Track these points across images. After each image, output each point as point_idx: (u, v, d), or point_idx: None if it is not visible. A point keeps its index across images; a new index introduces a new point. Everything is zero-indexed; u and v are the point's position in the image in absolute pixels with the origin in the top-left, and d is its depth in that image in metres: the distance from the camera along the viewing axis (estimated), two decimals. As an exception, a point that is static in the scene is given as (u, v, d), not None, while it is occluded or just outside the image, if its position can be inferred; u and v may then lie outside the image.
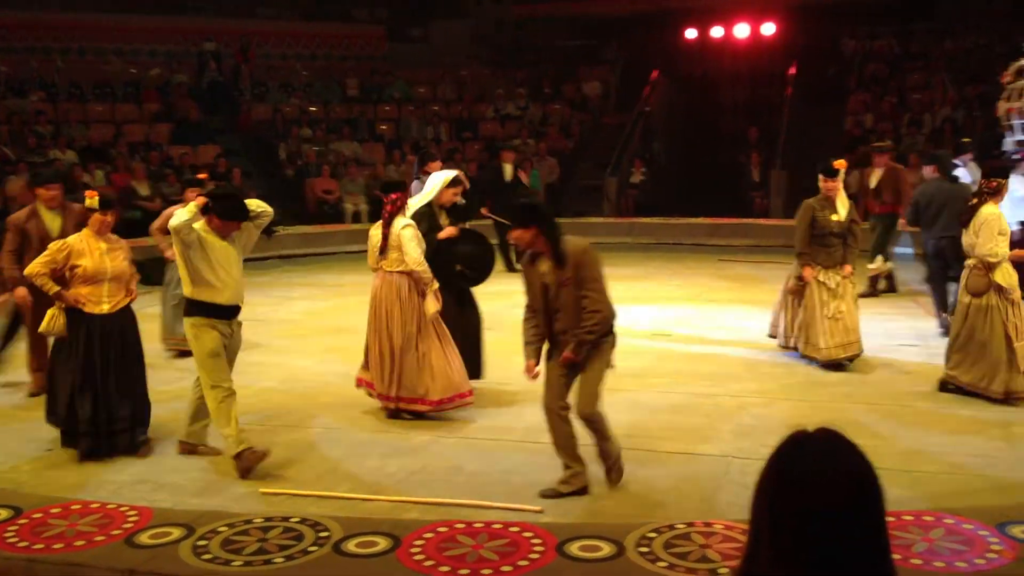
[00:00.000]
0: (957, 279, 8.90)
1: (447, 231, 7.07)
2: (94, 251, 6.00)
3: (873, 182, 11.02)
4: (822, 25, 22.01)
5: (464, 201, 7.52)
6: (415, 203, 7.11)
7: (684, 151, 20.73)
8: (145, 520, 4.69)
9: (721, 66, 22.61)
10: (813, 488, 1.59)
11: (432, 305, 6.60)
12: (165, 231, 8.75)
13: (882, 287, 11.20)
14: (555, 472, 5.27)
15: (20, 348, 7.80)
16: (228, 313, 5.73)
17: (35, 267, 5.96)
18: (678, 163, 20.33)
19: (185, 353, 8.47)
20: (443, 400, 6.61)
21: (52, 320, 5.94)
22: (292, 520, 4.66)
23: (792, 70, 20.05)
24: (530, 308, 5.20)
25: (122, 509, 4.86)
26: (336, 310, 11.27)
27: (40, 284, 5.97)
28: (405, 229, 6.57)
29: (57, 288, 5.92)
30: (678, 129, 21.35)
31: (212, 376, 5.64)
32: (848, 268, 7.82)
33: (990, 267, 6.76)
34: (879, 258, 10.97)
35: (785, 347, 8.21)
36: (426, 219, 7.01)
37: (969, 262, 6.93)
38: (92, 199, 6.08)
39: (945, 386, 7.10)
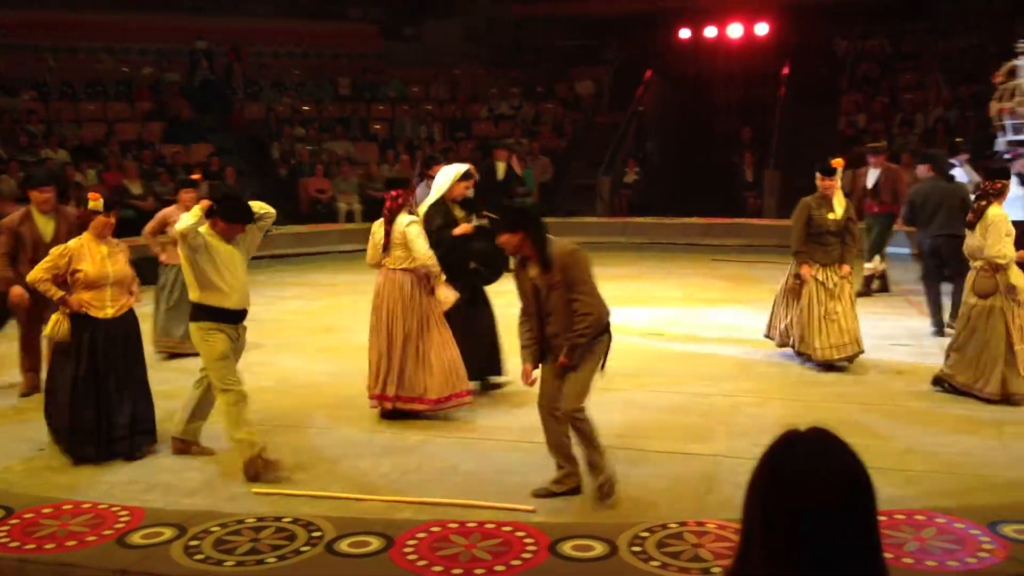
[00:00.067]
0: (951, 279, 8.95)
1: (462, 227, 7.04)
2: (95, 256, 5.90)
3: (870, 182, 11.05)
4: (815, 25, 22.06)
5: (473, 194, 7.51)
6: (426, 203, 7.15)
7: (678, 151, 20.76)
8: (137, 520, 4.68)
9: (715, 66, 22.66)
10: (805, 487, 1.59)
11: (449, 294, 6.60)
12: (157, 232, 8.74)
13: (875, 287, 11.23)
14: (549, 472, 5.27)
15: (12, 348, 7.78)
16: (236, 317, 5.69)
17: (37, 273, 5.87)
18: (672, 163, 20.35)
19: (175, 355, 8.49)
20: (440, 399, 6.59)
21: (56, 325, 5.83)
22: (285, 520, 4.64)
23: (785, 70, 20.09)
24: (524, 312, 5.19)
25: (114, 509, 4.84)
26: (329, 309, 11.26)
27: (44, 290, 5.87)
28: (410, 226, 6.56)
29: (61, 293, 5.84)
30: (671, 129, 21.37)
31: (223, 379, 5.58)
32: (847, 268, 7.79)
33: (997, 268, 6.75)
34: (876, 258, 11.00)
35: (782, 344, 8.16)
36: (440, 214, 7.01)
37: (976, 264, 6.90)
38: (96, 201, 5.98)
39: (940, 382, 7.11)
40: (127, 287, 6.07)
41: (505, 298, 7.96)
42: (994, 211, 6.83)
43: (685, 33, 22.70)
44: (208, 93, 20.62)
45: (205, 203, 5.52)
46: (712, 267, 14.05)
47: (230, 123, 19.99)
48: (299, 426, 6.66)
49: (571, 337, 4.95)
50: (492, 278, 7.23)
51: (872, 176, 11.08)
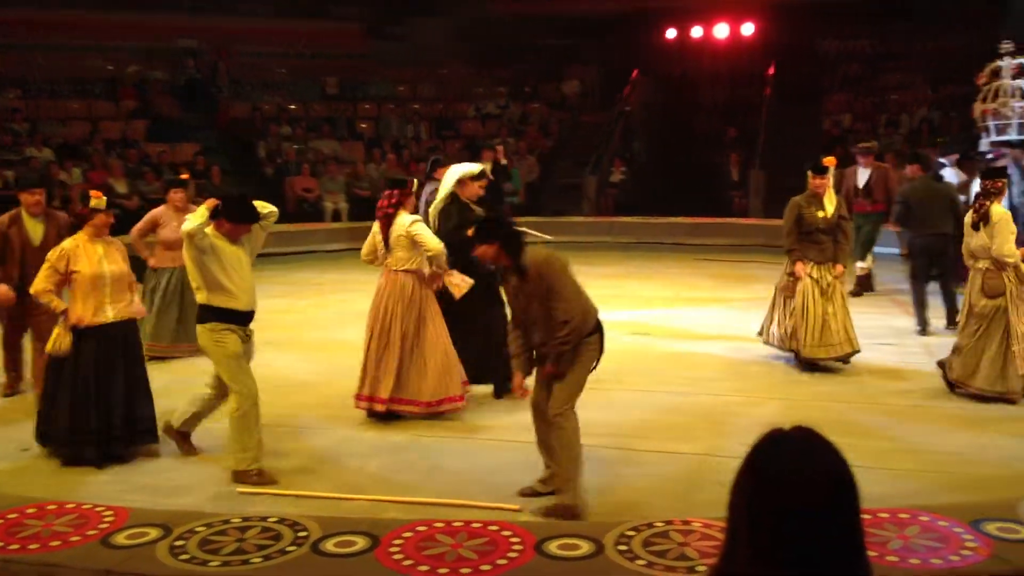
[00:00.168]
0: (939, 277, 9.01)
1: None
2: (91, 256, 5.82)
3: (861, 181, 11.10)
4: (801, 25, 22.13)
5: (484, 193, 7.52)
6: (436, 202, 7.20)
7: (664, 150, 20.80)
8: (121, 520, 4.65)
9: (701, 66, 22.72)
10: (790, 487, 1.59)
11: (461, 283, 6.59)
12: (146, 234, 8.68)
13: (853, 289, 11.27)
14: (536, 472, 5.26)
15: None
16: (245, 319, 5.64)
17: (39, 284, 5.77)
18: (658, 162, 20.39)
19: (157, 358, 8.38)
20: (432, 403, 6.56)
21: (57, 340, 5.75)
22: (270, 520, 4.62)
23: (771, 70, 20.17)
24: (513, 321, 5.19)
25: (98, 509, 4.81)
26: (315, 308, 11.23)
27: (47, 302, 5.79)
28: (413, 225, 6.54)
29: (64, 306, 5.76)
30: (658, 128, 21.42)
31: (236, 380, 5.51)
32: (840, 268, 7.79)
33: (1003, 267, 6.75)
34: (869, 256, 11.07)
35: (768, 343, 8.15)
36: (455, 215, 7.01)
37: (980, 264, 6.88)
38: (99, 199, 5.91)
39: (941, 365, 7.15)
40: (126, 284, 6.01)
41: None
42: (997, 209, 6.85)
43: (671, 33, 22.77)
44: (194, 92, 20.54)
45: (211, 203, 5.42)
46: (698, 266, 14.09)
47: (216, 122, 19.92)
48: (285, 425, 6.63)
49: (554, 345, 4.94)
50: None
51: (863, 175, 11.12)
